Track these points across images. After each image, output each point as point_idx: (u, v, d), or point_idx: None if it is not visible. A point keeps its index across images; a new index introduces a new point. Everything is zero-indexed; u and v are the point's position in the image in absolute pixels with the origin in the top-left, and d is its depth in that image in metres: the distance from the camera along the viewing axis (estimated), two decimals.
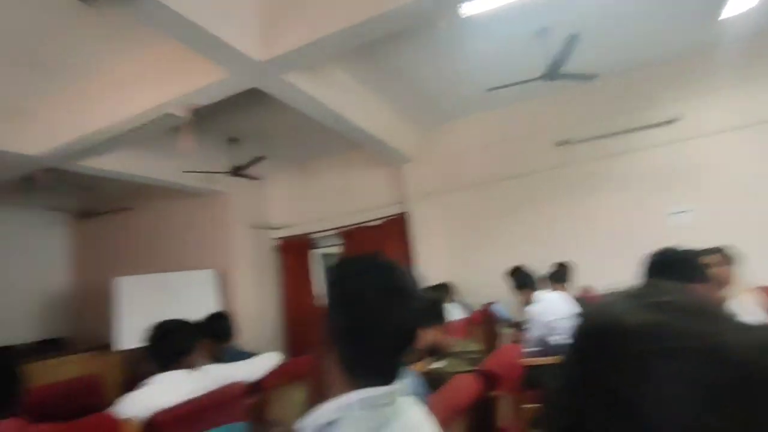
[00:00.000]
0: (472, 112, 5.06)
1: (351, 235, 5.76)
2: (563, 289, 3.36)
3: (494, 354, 1.91)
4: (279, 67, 3.00)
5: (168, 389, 1.70)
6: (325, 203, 6.01)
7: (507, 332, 4.01)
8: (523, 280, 3.24)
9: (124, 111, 3.37)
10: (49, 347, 5.75)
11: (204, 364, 1.95)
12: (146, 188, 5.73)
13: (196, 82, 3.11)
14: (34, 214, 6.57)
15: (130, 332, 4.94)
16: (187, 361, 1.81)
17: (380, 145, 4.73)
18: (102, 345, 5.36)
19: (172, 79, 3.20)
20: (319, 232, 6.03)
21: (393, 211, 5.57)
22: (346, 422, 0.72)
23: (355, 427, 0.71)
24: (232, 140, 4.98)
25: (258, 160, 4.76)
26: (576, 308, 3.08)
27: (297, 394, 2.26)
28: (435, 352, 1.87)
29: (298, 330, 5.91)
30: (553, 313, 2.95)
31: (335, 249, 6.09)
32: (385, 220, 5.60)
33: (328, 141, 5.31)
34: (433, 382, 1.45)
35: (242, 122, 4.57)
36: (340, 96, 3.84)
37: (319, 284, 6.22)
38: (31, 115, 3.68)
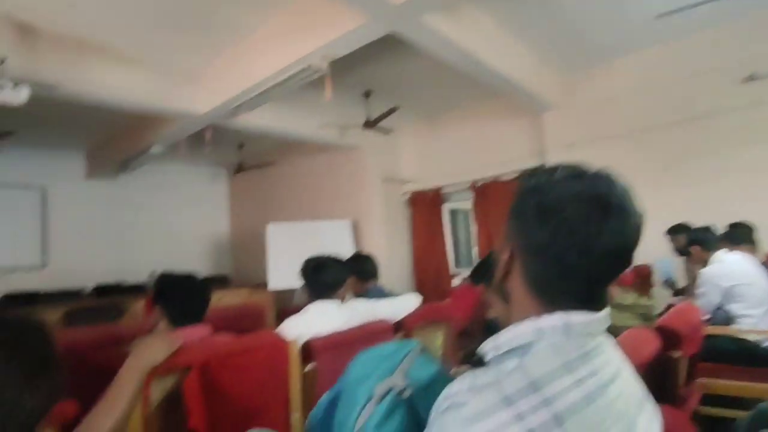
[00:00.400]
0: (630, 48, 4.38)
1: (483, 189, 5.56)
2: (745, 251, 2.81)
3: (673, 311, 1.66)
4: (416, 9, 2.88)
5: (321, 318, 1.81)
6: (457, 156, 5.87)
7: (663, 294, 3.57)
8: (698, 237, 2.77)
9: (269, 67, 3.58)
10: (214, 282, 6.73)
11: (350, 299, 2.05)
12: (288, 144, 6.19)
13: (333, 32, 3.15)
14: (201, 169, 7.60)
15: (280, 273, 5.51)
16: (338, 294, 1.91)
17: (519, 92, 4.38)
18: (256, 284, 6.09)
19: (311, 31, 3.28)
20: (451, 186, 5.94)
21: (529, 164, 5.20)
22: (542, 347, 0.63)
23: (553, 355, 0.61)
24: (366, 93, 5.06)
25: (391, 111, 4.78)
26: (763, 274, 2.57)
27: (436, 337, 2.27)
28: None
29: (428, 282, 6.00)
30: (736, 277, 2.49)
31: (466, 204, 5.97)
32: (520, 173, 5.27)
33: (461, 91, 5.11)
34: None
35: (376, 74, 4.58)
36: (479, 38, 3.59)
37: (449, 238, 6.22)
38: (196, 77, 4.13)
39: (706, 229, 2.80)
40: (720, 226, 3.02)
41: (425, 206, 6.17)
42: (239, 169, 6.63)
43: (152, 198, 7.02)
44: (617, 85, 4.56)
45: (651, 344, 1.25)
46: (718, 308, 2.54)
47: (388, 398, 0.77)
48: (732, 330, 2.44)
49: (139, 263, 6.41)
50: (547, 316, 0.64)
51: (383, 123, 5.07)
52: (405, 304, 2.17)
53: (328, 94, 3.48)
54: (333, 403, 0.87)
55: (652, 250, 3.73)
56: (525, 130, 5.27)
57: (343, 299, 1.96)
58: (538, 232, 0.64)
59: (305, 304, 1.88)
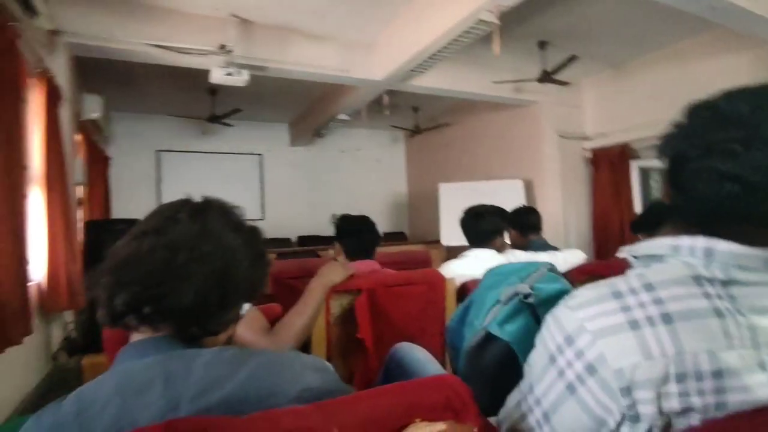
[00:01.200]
0: None
1: None
2: None
3: None
4: None
5: (478, 263, 1.90)
6: (650, 107, 5.09)
7: None
8: None
9: (438, 28, 3.65)
10: (392, 237, 7.35)
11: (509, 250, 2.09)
12: (461, 104, 6.24)
13: None
14: (381, 133, 8.22)
15: (452, 230, 5.74)
16: (494, 243, 1.97)
17: (737, 18, 3.53)
18: (430, 240, 6.46)
19: None
20: (641, 141, 5.23)
21: None
22: (673, 262, 0.62)
23: (682, 268, 0.60)
24: (541, 44, 4.73)
25: (570, 60, 4.41)
26: None
27: None
28: None
29: (610, 247, 5.49)
30: None
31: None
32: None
33: (657, 29, 4.37)
34: None
35: (551, 22, 4.25)
36: None
37: (637, 199, 5.54)
38: (372, 47, 4.47)
39: None
40: None
41: (609, 164, 5.58)
42: (415, 131, 6.98)
43: (339, 161, 7.95)
44: None
45: None
46: None
47: (514, 301, 0.87)
48: None
49: (330, 219, 7.46)
50: (688, 238, 0.62)
51: (561, 75, 4.71)
52: (568, 257, 2.10)
53: (497, 50, 3.41)
54: (466, 310, 1.00)
55: None
56: (747, 67, 4.27)
57: (500, 249, 2.02)
58: (724, 163, 0.59)
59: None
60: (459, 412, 0.55)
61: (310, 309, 1.38)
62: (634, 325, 0.57)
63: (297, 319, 1.34)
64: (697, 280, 0.59)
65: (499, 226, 1.97)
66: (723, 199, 0.59)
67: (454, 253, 5.64)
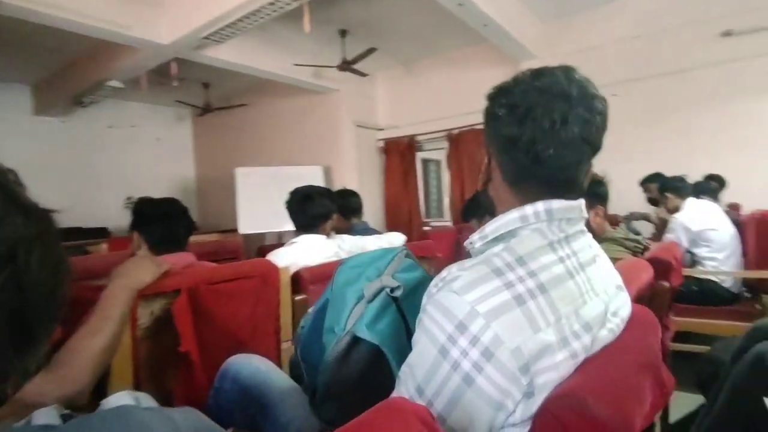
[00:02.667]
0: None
1: (458, 138, 5.52)
2: (710, 200, 2.96)
3: (659, 247, 1.71)
4: None
5: (310, 250, 1.76)
6: (433, 105, 5.75)
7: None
8: (671, 185, 2.87)
9: None
10: None
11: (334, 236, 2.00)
12: (260, 85, 5.88)
13: None
14: (165, 109, 7.15)
15: (250, 218, 5.39)
16: (326, 227, 1.85)
17: (502, 38, 4.25)
18: (224, 229, 5.94)
19: None
20: (425, 134, 5.85)
21: None
22: (527, 232, 0.67)
23: (537, 237, 0.66)
24: (343, 33, 4.80)
25: (370, 52, 4.58)
26: (729, 223, 2.70)
27: None
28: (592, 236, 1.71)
29: (400, 230, 6.01)
30: (704, 223, 2.60)
31: (440, 153, 5.94)
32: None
33: (441, 36, 4.94)
34: None
35: (353, 12, 4.34)
36: None
37: (421, 188, 6.21)
38: (161, 4, 3.77)
39: (680, 179, 2.90)
40: (691, 178, 3.14)
41: (399, 154, 6.09)
42: (206, 110, 6.28)
43: (109, 138, 6.59)
44: (597, 36, 4.52)
45: (646, 273, 1.28)
46: (686, 252, 2.66)
47: (380, 297, 0.77)
48: (697, 272, 2.58)
49: (98, 206, 6.12)
50: (530, 205, 0.68)
51: (360, 65, 4.87)
52: (392, 240, 2.14)
53: (307, 26, 3.27)
54: (321, 312, 0.86)
55: (625, 199, 3.88)
56: (502, 79, 5.17)
57: (328, 234, 1.91)
58: (508, 128, 0.68)
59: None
60: None
61: (110, 324, 1.00)
62: (519, 300, 0.58)
63: (91, 341, 0.95)
64: (551, 246, 0.66)
65: (330, 209, 1.86)
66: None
67: (253, 241, 5.36)
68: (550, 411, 0.53)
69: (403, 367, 0.63)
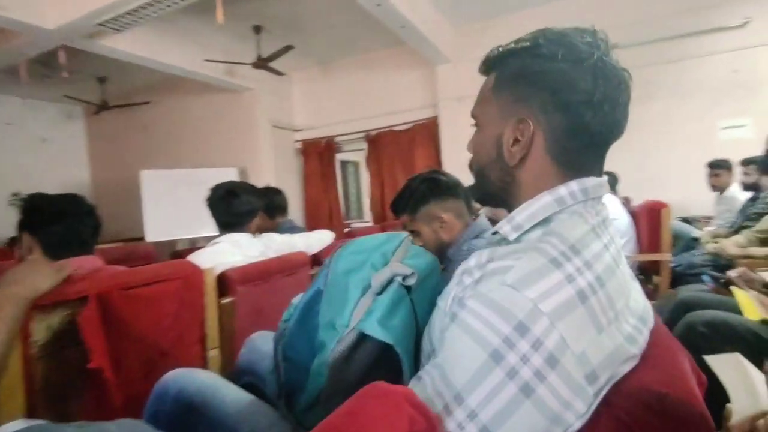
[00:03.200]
0: (514, 8, 4.62)
1: (377, 139, 5.56)
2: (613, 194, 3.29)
3: None
4: None
5: (235, 250, 1.64)
6: (351, 106, 5.74)
7: None
8: None
9: None
10: None
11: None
12: (166, 81, 5.46)
13: None
14: (50, 105, 6.36)
15: (159, 224, 4.96)
16: (251, 225, 1.74)
17: (417, 40, 4.36)
18: (130, 238, 5.42)
19: None
20: (343, 135, 5.82)
21: (423, 115, 5.32)
22: (566, 215, 0.59)
23: (579, 220, 0.58)
24: (257, 29, 4.61)
25: (286, 50, 4.44)
26: (626, 212, 3.00)
27: None
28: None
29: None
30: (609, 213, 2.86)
31: (355, 155, 5.94)
32: (413, 124, 5.37)
33: (358, 36, 4.94)
34: None
35: (268, 8, 4.19)
36: None
37: (341, 189, 6.15)
38: None
39: (607, 174, 3.21)
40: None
41: (317, 155, 5.99)
42: (102, 107, 5.68)
43: None
44: (502, 42, 4.80)
45: None
46: None
47: (392, 288, 0.68)
48: None
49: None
50: (563, 186, 0.61)
51: (276, 64, 4.71)
52: (320, 237, 2.07)
53: (220, 16, 3.08)
54: (311, 304, 0.75)
55: None
56: (420, 82, 5.33)
57: (254, 233, 1.80)
58: (580, 81, 0.58)
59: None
60: None
61: None
62: (582, 296, 0.50)
63: None
64: (595, 231, 0.58)
65: (256, 206, 1.74)
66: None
67: (163, 250, 4.94)
68: (609, 405, 0.48)
69: (430, 369, 0.54)
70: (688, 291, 1.83)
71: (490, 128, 0.67)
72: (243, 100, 5.59)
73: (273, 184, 5.52)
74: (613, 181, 3.57)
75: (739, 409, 0.55)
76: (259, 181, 5.55)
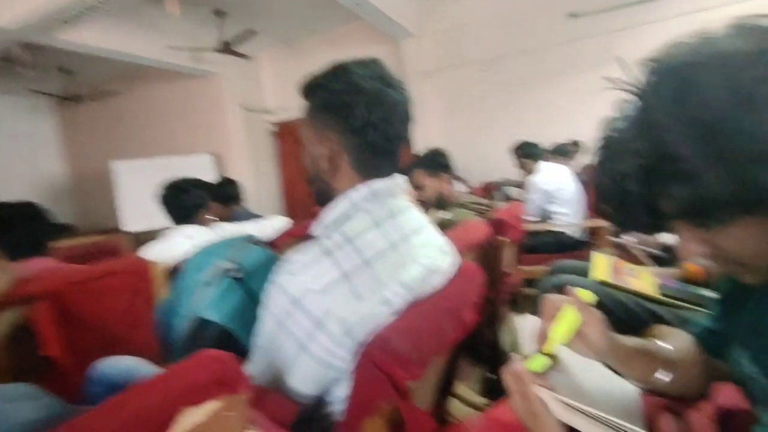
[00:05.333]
0: None
1: None
2: (566, 164, 3.41)
3: (501, 208, 1.98)
4: None
5: (187, 242, 1.77)
6: None
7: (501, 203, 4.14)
8: (527, 151, 3.25)
9: None
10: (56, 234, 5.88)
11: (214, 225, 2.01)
12: (132, 70, 5.44)
13: None
14: (16, 99, 6.30)
15: (135, 214, 5.05)
16: (200, 218, 1.86)
17: (375, 16, 4.36)
18: (105, 229, 5.50)
19: None
20: None
21: None
22: (359, 215, 0.77)
23: (365, 217, 0.76)
24: (218, 13, 4.60)
25: (249, 34, 4.46)
26: (577, 184, 3.14)
27: None
28: (441, 203, 1.93)
29: (299, 212, 6.04)
30: (555, 183, 3.00)
31: None
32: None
33: (318, 13, 4.93)
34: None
35: None
36: None
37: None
38: None
39: (533, 145, 3.29)
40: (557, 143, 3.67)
41: (293, 137, 6.04)
42: (72, 99, 5.67)
43: None
44: (467, 15, 4.84)
45: (483, 231, 1.49)
46: (543, 209, 3.06)
47: (224, 280, 0.87)
48: (551, 225, 2.99)
49: None
50: (354, 191, 0.77)
51: (243, 48, 4.72)
52: (273, 223, 2.20)
53: (173, 7, 3.11)
54: (173, 297, 0.94)
55: (502, 167, 4.30)
56: (385, 58, 5.10)
57: (205, 224, 1.92)
58: (358, 110, 0.75)
59: None
60: (231, 384, 0.52)
61: None
62: (346, 276, 0.68)
63: None
64: (377, 224, 0.76)
65: (204, 199, 1.87)
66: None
67: (143, 240, 5.04)
68: (364, 352, 0.66)
69: (252, 341, 0.74)
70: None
71: (311, 147, 0.82)
72: (211, 85, 5.59)
73: (249, 169, 5.67)
74: (573, 150, 3.66)
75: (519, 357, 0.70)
76: (234, 166, 5.64)
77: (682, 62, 0.44)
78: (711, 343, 0.70)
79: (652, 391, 0.70)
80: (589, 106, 4.43)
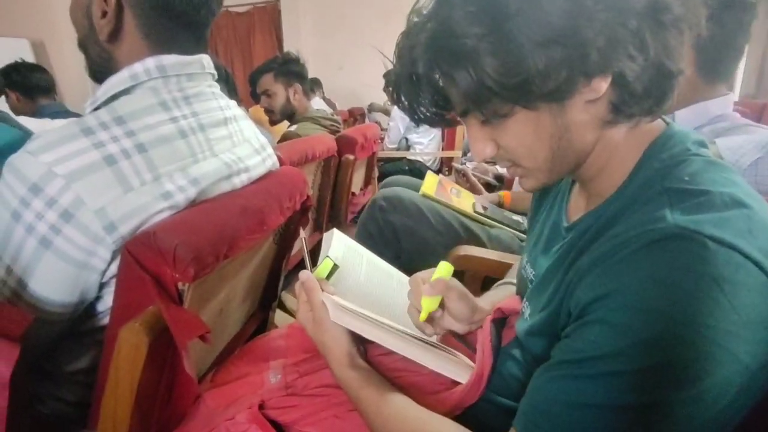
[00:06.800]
0: None
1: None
2: None
3: (354, 128, 1.94)
4: None
5: None
6: None
7: None
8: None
9: None
10: None
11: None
12: None
13: None
14: None
15: None
16: None
17: None
18: None
19: None
20: None
21: None
22: (139, 91, 0.64)
23: (149, 95, 0.63)
24: None
25: None
26: None
27: None
28: (290, 114, 1.82)
29: None
30: None
31: None
32: (252, 7, 4.90)
33: None
34: None
35: None
36: None
37: None
38: None
39: None
40: None
41: None
42: None
43: None
44: None
45: (326, 145, 1.45)
46: (402, 138, 3.13)
47: None
48: (408, 153, 3.08)
49: None
50: (139, 63, 0.64)
51: None
52: None
53: None
54: None
55: (374, 94, 4.26)
56: None
57: None
58: None
59: None
60: None
61: None
62: (109, 160, 0.56)
63: None
64: (164, 105, 0.64)
65: None
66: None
67: None
68: (126, 248, 0.56)
69: None
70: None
71: None
72: None
73: (74, 59, 4.71)
74: None
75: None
76: (60, 56, 4.69)
77: None
78: None
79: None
80: None
